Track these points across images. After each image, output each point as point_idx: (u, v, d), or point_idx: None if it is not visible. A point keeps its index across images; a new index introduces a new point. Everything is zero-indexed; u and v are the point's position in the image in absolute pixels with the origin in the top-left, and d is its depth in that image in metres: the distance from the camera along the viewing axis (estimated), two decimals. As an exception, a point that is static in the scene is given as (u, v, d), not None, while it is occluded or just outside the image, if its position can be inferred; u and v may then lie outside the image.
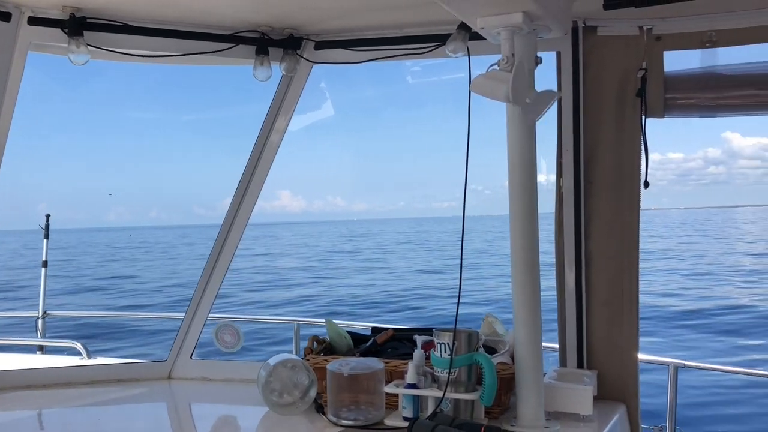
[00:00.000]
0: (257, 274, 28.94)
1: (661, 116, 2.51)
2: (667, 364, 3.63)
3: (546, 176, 2.92)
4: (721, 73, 2.44)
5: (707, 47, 2.44)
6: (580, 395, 2.32)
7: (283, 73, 2.74)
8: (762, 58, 2.42)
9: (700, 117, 2.51)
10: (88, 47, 2.47)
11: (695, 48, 2.46)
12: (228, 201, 2.98)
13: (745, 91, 2.41)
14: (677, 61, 2.48)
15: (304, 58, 2.77)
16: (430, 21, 2.58)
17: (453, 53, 2.40)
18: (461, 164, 2.25)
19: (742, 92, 2.42)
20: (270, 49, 2.70)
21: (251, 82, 2.68)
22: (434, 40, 2.59)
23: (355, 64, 2.79)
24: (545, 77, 2.61)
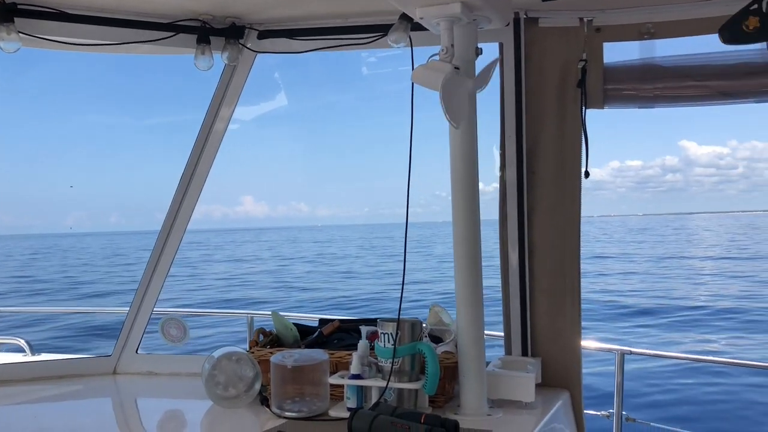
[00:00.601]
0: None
1: (601, 107, 2.54)
2: (613, 351, 3.71)
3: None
4: (659, 64, 2.49)
5: (646, 39, 2.48)
6: (523, 383, 2.35)
7: (225, 62, 2.70)
8: (699, 50, 2.47)
9: (639, 108, 2.55)
10: (20, 35, 2.39)
11: (634, 40, 2.50)
12: None
13: (682, 83, 2.46)
14: (617, 53, 2.52)
15: (247, 48, 2.74)
16: (374, 11, 2.57)
17: (395, 43, 2.39)
18: (425, 169, 2.27)
19: (679, 83, 2.47)
20: (212, 38, 2.65)
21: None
22: (378, 30, 2.58)
23: (302, 54, 2.76)
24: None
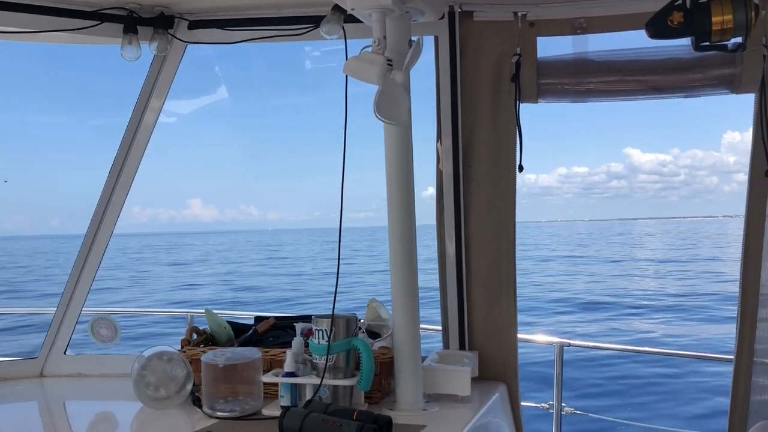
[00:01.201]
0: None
1: (535, 101, 2.56)
2: (553, 344, 3.76)
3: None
4: (592, 59, 2.51)
5: (579, 34, 2.51)
6: (459, 377, 2.35)
7: (154, 53, 2.61)
8: (629, 45, 2.50)
9: (572, 102, 2.58)
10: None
11: (567, 34, 2.52)
12: (136, 209, 2.86)
13: (613, 77, 2.49)
14: (550, 47, 2.54)
15: (177, 38, 2.66)
16: (308, 2, 2.53)
17: (327, 35, 2.36)
18: (380, 173, 2.24)
19: (610, 78, 2.50)
20: (139, 27, 2.56)
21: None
22: (312, 22, 2.54)
23: (243, 47, 2.71)
24: (424, 61, 2.62)
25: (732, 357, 2.55)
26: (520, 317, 2.72)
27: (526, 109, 2.58)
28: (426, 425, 2.09)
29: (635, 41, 2.47)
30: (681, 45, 2.36)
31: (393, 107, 1.99)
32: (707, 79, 2.40)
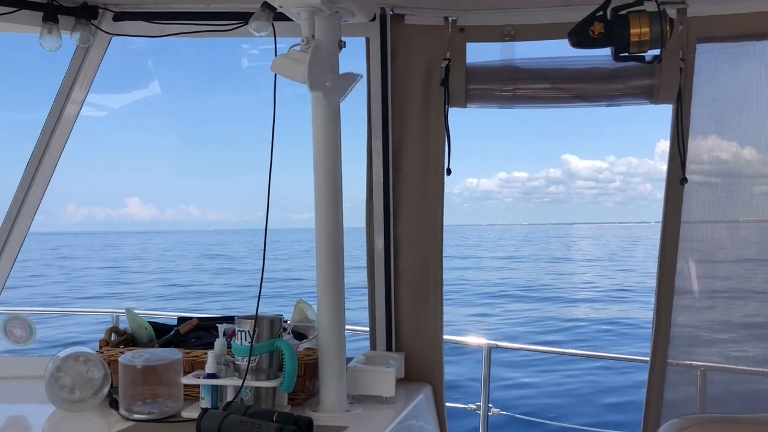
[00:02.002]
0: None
1: (464, 106, 2.59)
2: (481, 346, 3.81)
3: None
4: (519, 66, 2.57)
5: (507, 41, 2.56)
6: (383, 378, 2.35)
7: (76, 44, 2.52)
8: (555, 53, 2.56)
9: (499, 108, 2.63)
10: None
11: (495, 41, 2.56)
12: (70, 207, 2.74)
13: (539, 85, 2.55)
14: (479, 53, 2.58)
15: (101, 29, 2.58)
16: None
17: (256, 32, 2.33)
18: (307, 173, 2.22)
19: (536, 85, 2.56)
20: (60, 17, 2.47)
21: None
22: (241, 18, 2.51)
23: (177, 42, 2.65)
24: (358, 62, 2.63)
25: (647, 359, 2.64)
26: (460, 310, 2.76)
27: (467, 113, 2.62)
28: (347, 426, 2.09)
29: (561, 50, 2.53)
30: (604, 55, 2.42)
31: (323, 78, 1.98)
32: (628, 89, 2.49)
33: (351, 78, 2.12)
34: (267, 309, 2.18)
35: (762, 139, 2.57)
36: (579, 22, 1.95)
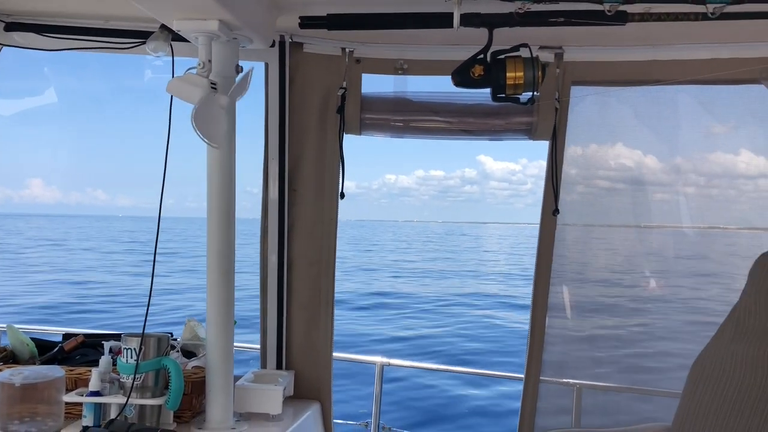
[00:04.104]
0: None
1: (358, 133, 2.71)
2: (374, 363, 3.91)
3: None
4: (410, 99, 2.71)
5: (400, 74, 2.69)
6: (271, 396, 2.41)
7: (-38, 52, 2.46)
8: (444, 88, 2.72)
9: (392, 137, 2.76)
10: None
11: (389, 74, 2.70)
12: None
13: (428, 117, 2.70)
14: (374, 84, 2.70)
15: (-9, 39, 2.53)
16: (137, 16, 2.51)
17: (154, 52, 2.35)
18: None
19: (426, 117, 2.70)
20: None
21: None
22: (140, 36, 2.52)
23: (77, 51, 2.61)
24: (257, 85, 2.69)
25: (522, 376, 2.82)
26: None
27: None
28: None
29: (450, 85, 2.69)
30: (487, 93, 2.61)
31: (211, 126, 2.03)
32: (509, 125, 2.67)
33: (244, 78, 2.16)
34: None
35: (628, 173, 2.83)
36: (461, 63, 2.11)
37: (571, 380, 2.93)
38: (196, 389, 2.34)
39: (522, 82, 2.06)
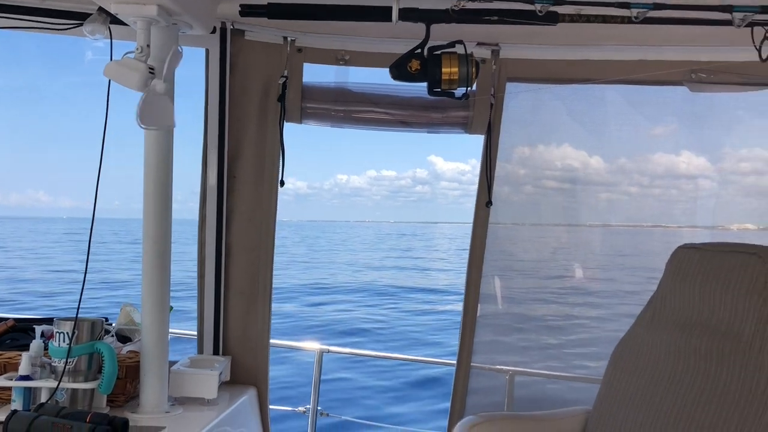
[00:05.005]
0: None
1: (299, 122, 2.74)
2: (314, 351, 3.95)
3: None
4: (350, 89, 2.75)
5: (341, 65, 2.73)
6: (206, 380, 2.43)
7: None
8: (385, 81, 2.77)
9: (332, 126, 2.80)
10: None
11: (331, 64, 2.73)
12: None
13: (367, 108, 2.75)
14: (315, 74, 2.73)
15: None
16: None
17: (91, 35, 2.32)
18: (180, 165, 2.23)
19: (365, 108, 2.75)
20: None
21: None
22: (77, 18, 2.48)
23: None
24: (198, 71, 2.69)
25: (454, 361, 2.91)
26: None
27: None
28: (165, 427, 2.14)
29: (390, 78, 2.75)
30: (425, 87, 2.67)
31: (156, 115, 2.04)
32: (446, 118, 2.75)
33: (172, 58, 2.16)
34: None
35: (558, 168, 2.95)
36: (399, 57, 2.16)
37: (504, 367, 3.04)
38: (130, 374, 2.35)
39: (456, 77, 2.12)
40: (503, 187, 2.88)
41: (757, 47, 2.13)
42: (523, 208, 2.96)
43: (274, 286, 2.83)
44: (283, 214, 2.88)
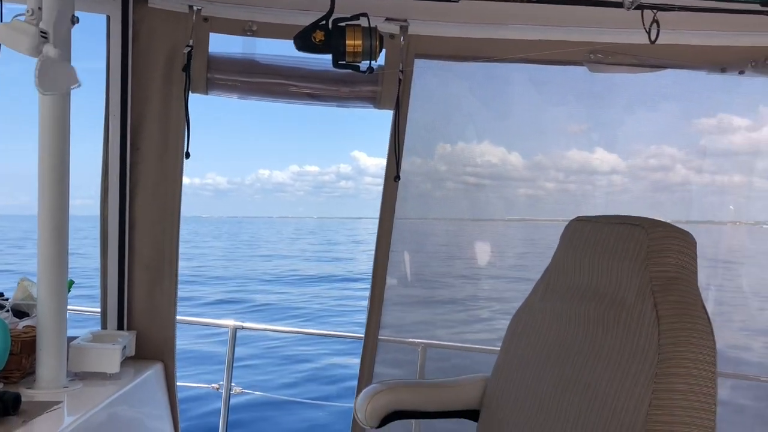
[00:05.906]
0: None
1: (205, 93, 2.70)
2: (227, 327, 3.93)
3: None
4: (258, 61, 2.73)
5: (248, 35, 2.70)
6: (107, 355, 2.38)
7: None
8: (294, 53, 2.76)
9: (239, 98, 2.77)
10: None
11: (238, 34, 2.70)
12: None
13: (276, 80, 2.73)
14: (222, 44, 2.69)
15: None
16: None
17: (-23, -5, 2.22)
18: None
19: (273, 80, 2.73)
20: None
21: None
22: (-37, -23, 2.36)
23: None
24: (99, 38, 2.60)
25: (362, 336, 2.97)
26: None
27: (261, 106, 2.74)
28: (61, 402, 2.10)
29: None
30: (333, 60, 2.68)
31: (56, 79, 1.97)
32: (354, 92, 2.76)
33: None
34: None
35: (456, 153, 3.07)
36: (304, 28, 2.16)
37: (416, 339, 3.13)
38: (26, 349, 2.27)
39: (360, 50, 2.14)
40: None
41: (647, 30, 2.24)
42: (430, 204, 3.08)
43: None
44: (201, 209, 2.85)
